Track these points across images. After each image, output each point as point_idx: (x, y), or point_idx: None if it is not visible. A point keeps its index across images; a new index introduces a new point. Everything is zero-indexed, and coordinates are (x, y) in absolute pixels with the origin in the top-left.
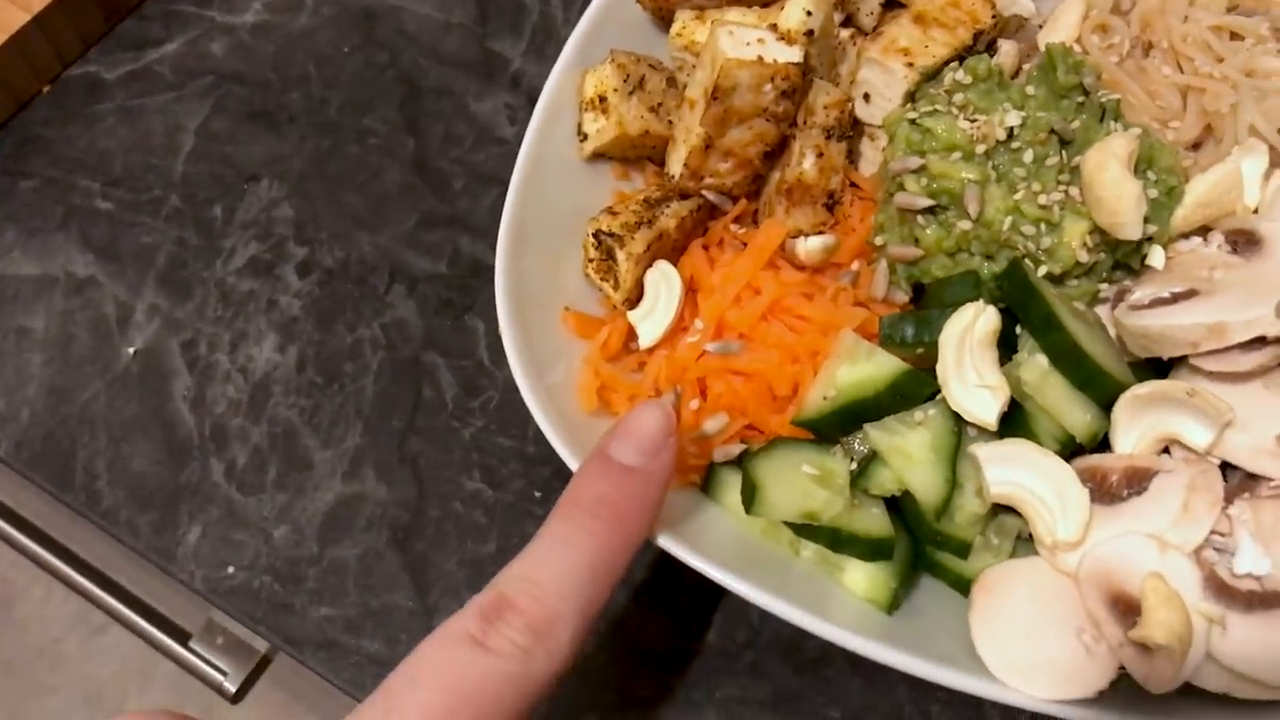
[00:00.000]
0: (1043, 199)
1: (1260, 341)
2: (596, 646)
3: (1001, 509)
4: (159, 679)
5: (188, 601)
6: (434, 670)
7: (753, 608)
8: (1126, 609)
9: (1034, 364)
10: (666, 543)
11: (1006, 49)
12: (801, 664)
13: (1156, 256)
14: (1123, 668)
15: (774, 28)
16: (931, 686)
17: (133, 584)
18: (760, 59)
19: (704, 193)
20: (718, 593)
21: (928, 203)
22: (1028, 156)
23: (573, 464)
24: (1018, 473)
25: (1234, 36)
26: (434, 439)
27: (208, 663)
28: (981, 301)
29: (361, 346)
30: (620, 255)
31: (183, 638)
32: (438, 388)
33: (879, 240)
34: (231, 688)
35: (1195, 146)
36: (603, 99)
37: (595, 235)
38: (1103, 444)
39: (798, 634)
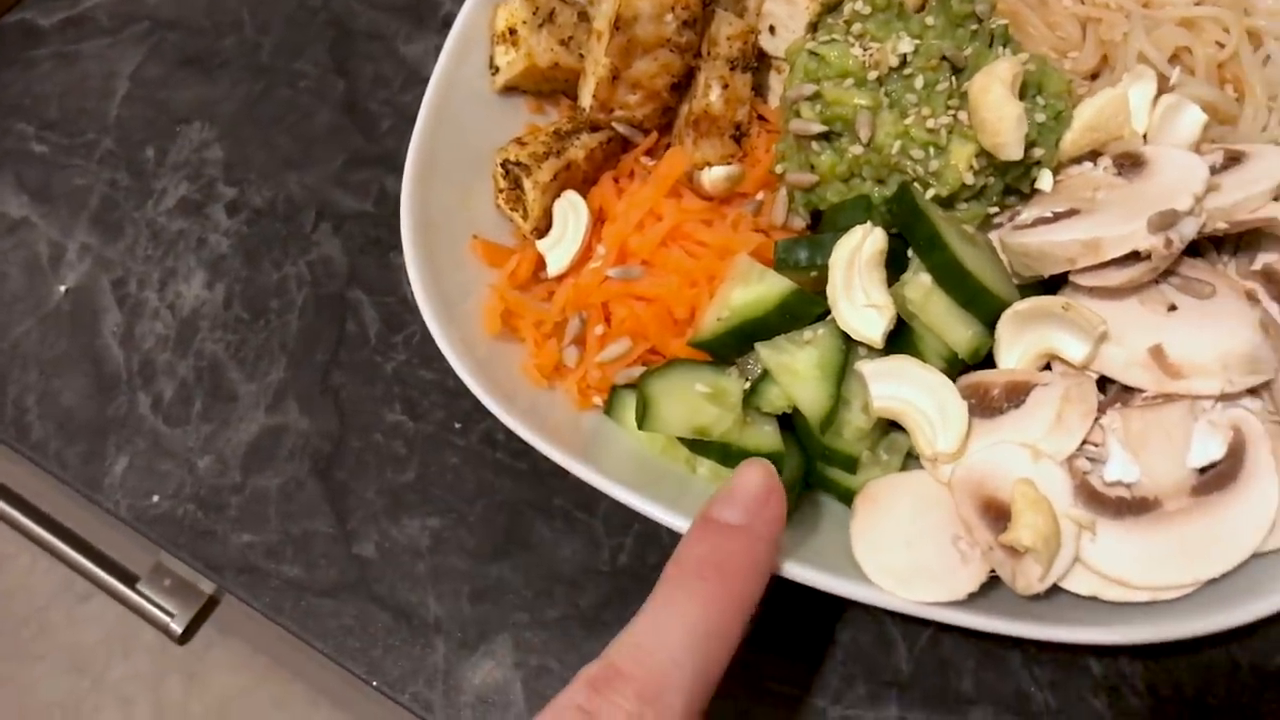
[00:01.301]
0: (931, 123)
1: (1135, 257)
2: (509, 570)
3: (893, 427)
4: (140, 648)
5: (139, 546)
6: None
7: (663, 530)
8: (997, 514)
9: (918, 283)
10: (566, 461)
11: None
12: None
13: (1045, 179)
14: (993, 572)
15: None
16: (835, 603)
17: (81, 529)
18: None
19: (615, 125)
20: (630, 517)
21: (821, 128)
22: (919, 82)
23: (471, 384)
24: (901, 388)
25: None
26: (357, 372)
27: (155, 604)
28: (869, 224)
29: (287, 283)
30: (527, 184)
31: (130, 580)
32: (361, 323)
33: (780, 169)
34: (178, 628)
35: (1094, 76)
36: (513, 31)
37: (503, 165)
38: (990, 361)
39: None
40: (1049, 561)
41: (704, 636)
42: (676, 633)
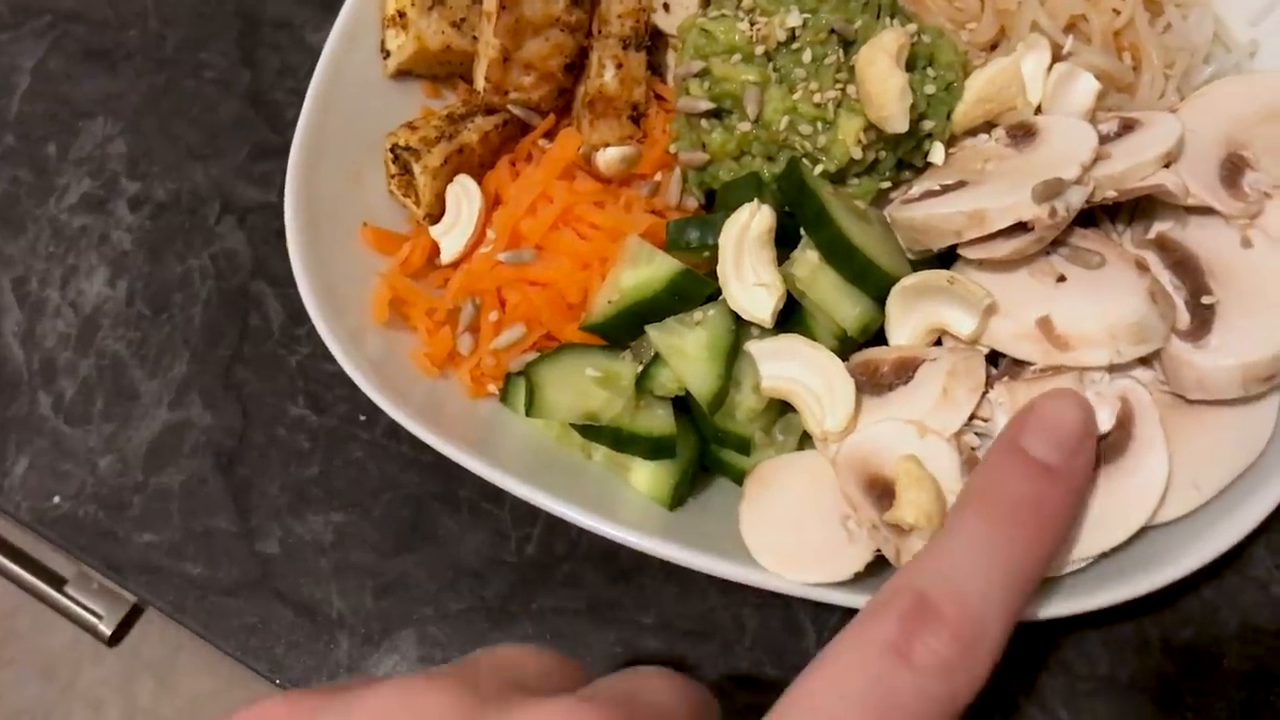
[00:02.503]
0: (818, 98)
1: (1021, 228)
2: (414, 564)
3: (789, 407)
4: (111, 653)
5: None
6: (859, 686)
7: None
8: (882, 492)
9: (805, 260)
10: (458, 454)
11: None
12: (616, 573)
13: (937, 152)
14: (880, 551)
15: None
16: (741, 592)
17: (7, 532)
18: None
19: (510, 108)
20: (536, 506)
21: (708, 105)
22: (807, 56)
23: (358, 378)
24: (790, 367)
25: None
26: (260, 366)
27: (83, 606)
28: (756, 201)
29: (190, 277)
30: (417, 169)
31: (58, 583)
32: (265, 316)
33: (673, 148)
34: (107, 630)
35: (994, 47)
36: (402, 14)
37: (392, 150)
38: (884, 338)
39: (614, 545)
40: (932, 523)
41: (1019, 586)
42: (996, 577)
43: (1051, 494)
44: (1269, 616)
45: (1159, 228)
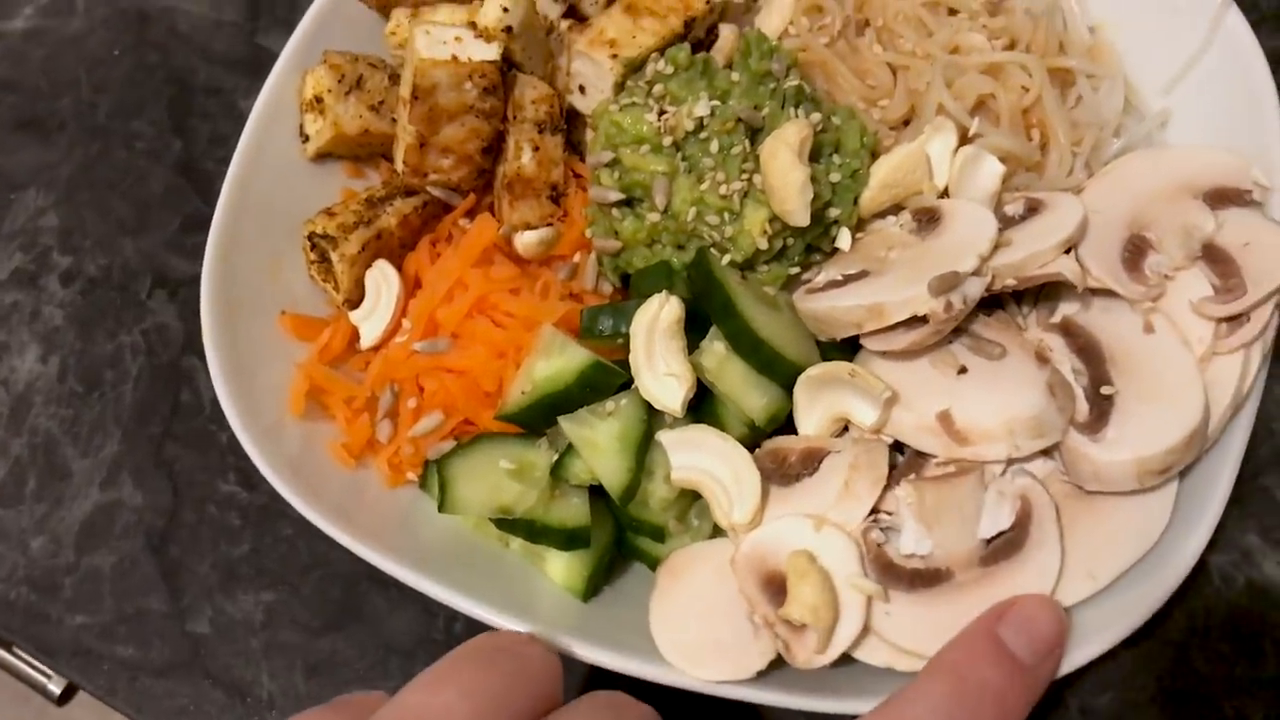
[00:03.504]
0: (724, 189)
1: (920, 320)
2: (344, 642)
3: None
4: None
5: None
6: None
7: None
8: (779, 588)
9: (713, 351)
10: (370, 555)
11: (726, 34)
12: None
13: (843, 238)
14: None
15: (473, 25)
16: None
17: None
18: (455, 58)
19: (431, 189)
20: None
21: (618, 196)
22: (714, 146)
23: (269, 473)
24: (699, 457)
25: (951, 11)
26: (191, 443)
27: (31, 665)
28: (665, 292)
29: (122, 353)
30: (334, 257)
31: (5, 643)
32: (196, 392)
33: (589, 233)
34: (56, 690)
35: (907, 123)
36: (319, 100)
37: (310, 237)
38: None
39: None
40: (826, 634)
41: None
42: None
43: (1015, 688)
44: (1185, 681)
45: (1064, 310)
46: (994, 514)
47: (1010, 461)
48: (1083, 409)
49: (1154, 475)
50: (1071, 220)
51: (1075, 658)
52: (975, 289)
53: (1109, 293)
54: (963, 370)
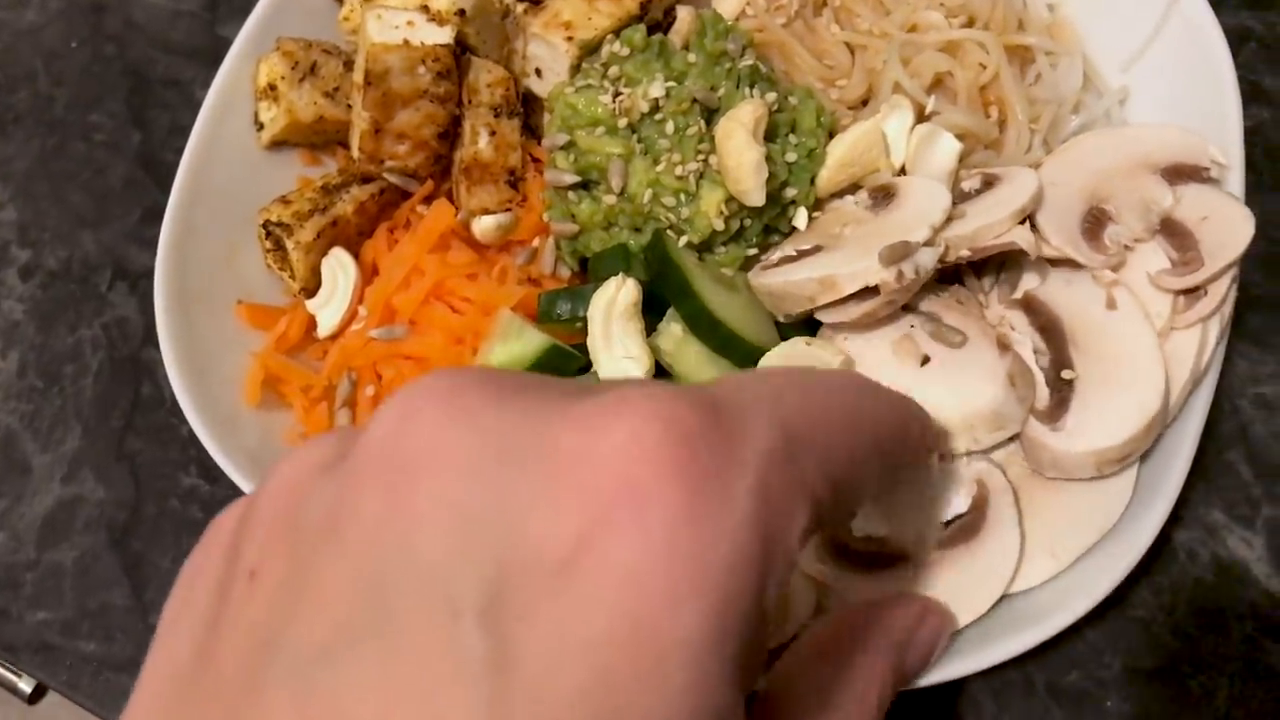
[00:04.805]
0: (680, 170)
1: (872, 291)
2: None
3: None
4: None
5: None
6: None
7: None
8: None
9: (669, 332)
10: None
11: (683, 15)
12: None
13: (800, 218)
14: None
15: (426, 9)
16: None
17: None
18: (407, 42)
19: (387, 175)
20: None
21: (574, 179)
22: (669, 128)
23: (225, 465)
24: None
25: None
26: (152, 437)
27: (3, 665)
28: (622, 275)
29: (82, 347)
30: (289, 244)
31: None
32: (157, 385)
33: (546, 217)
34: (27, 688)
35: (865, 103)
36: (273, 87)
37: (264, 226)
38: None
39: None
40: (781, 619)
41: None
42: None
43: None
44: (1151, 658)
45: (1027, 284)
46: (951, 498)
47: (969, 452)
48: (1043, 395)
49: (1113, 464)
50: (1026, 191)
51: (1040, 635)
52: (927, 259)
53: (1072, 266)
54: (926, 360)
